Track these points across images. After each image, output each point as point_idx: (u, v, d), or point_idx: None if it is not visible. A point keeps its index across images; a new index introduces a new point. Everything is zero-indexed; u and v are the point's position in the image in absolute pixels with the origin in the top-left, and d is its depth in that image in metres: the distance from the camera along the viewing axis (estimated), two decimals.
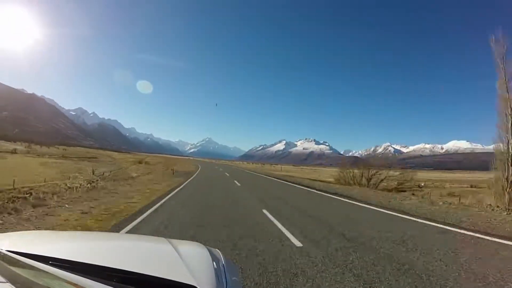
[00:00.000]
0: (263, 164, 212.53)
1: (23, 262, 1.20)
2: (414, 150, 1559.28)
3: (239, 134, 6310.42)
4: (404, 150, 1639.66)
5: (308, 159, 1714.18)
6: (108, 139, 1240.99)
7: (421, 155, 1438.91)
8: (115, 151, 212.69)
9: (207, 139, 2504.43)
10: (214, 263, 1.45)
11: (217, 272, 1.36)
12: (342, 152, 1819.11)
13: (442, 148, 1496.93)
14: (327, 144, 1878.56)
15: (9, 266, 1.15)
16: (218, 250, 1.79)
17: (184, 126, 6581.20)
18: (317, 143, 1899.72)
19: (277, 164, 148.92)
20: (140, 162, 47.71)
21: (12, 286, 1.00)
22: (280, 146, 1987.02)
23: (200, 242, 1.93)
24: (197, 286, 1.14)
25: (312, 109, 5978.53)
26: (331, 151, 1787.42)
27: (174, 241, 1.79)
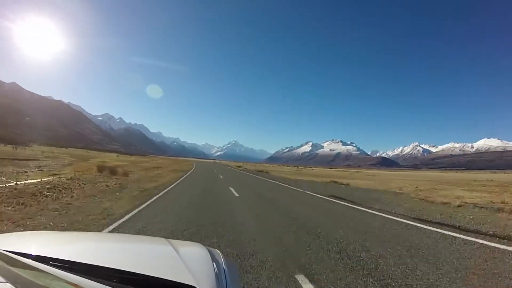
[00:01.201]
0: (297, 167, 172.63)
1: (23, 262, 1.20)
2: (443, 150, 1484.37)
3: (265, 137, 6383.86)
4: (433, 149, 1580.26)
5: (335, 160, 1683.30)
6: (134, 143, 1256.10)
7: (451, 154, 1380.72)
8: (129, 154, 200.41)
9: (233, 142, 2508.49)
10: (214, 263, 1.45)
11: (217, 272, 1.36)
12: (369, 153, 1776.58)
13: (472, 147, 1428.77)
14: (354, 145, 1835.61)
15: (9, 266, 1.14)
16: (218, 250, 1.78)
17: (210, 130, 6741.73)
18: (344, 144, 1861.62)
19: (311, 168, 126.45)
20: (100, 170, 25.02)
21: (12, 287, 1.00)
22: (307, 148, 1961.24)
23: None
24: (197, 287, 1.14)
25: (338, 110, 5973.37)
26: (358, 152, 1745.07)
27: (174, 241, 1.79)
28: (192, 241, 2.44)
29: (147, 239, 2.53)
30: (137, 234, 7.06)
